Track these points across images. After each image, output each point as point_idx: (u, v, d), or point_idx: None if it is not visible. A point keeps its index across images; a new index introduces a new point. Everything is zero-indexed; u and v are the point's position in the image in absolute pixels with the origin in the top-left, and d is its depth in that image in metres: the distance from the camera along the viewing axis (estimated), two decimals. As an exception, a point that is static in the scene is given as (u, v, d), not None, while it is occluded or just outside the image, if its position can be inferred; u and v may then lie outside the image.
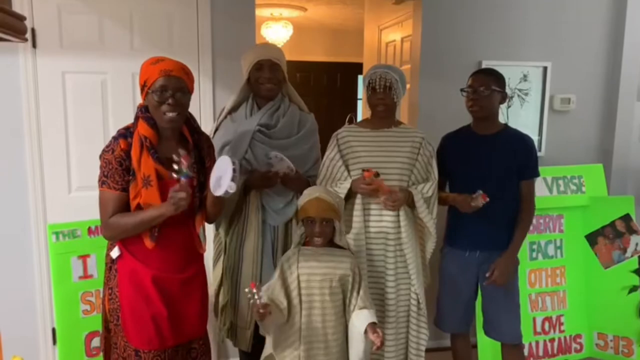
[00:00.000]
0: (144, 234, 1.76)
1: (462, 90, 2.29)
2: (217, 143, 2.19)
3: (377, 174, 2.03)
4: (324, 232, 1.88)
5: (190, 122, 1.87)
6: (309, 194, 1.91)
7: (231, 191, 1.69)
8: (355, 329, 1.85)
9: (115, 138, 1.75)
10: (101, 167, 1.74)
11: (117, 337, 1.83)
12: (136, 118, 1.77)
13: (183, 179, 1.64)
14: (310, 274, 1.88)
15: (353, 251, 1.99)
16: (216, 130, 2.27)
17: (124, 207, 1.75)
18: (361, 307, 1.87)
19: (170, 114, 1.71)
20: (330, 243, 1.93)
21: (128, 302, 1.78)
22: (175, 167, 1.63)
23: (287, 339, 1.89)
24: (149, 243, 1.76)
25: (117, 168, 1.71)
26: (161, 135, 1.77)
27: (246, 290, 1.71)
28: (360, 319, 1.84)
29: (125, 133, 1.75)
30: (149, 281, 1.77)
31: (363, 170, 2.07)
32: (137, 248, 1.78)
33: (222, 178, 1.70)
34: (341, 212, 1.93)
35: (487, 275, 2.25)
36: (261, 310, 1.72)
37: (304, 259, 1.89)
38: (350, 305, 1.90)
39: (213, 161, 1.90)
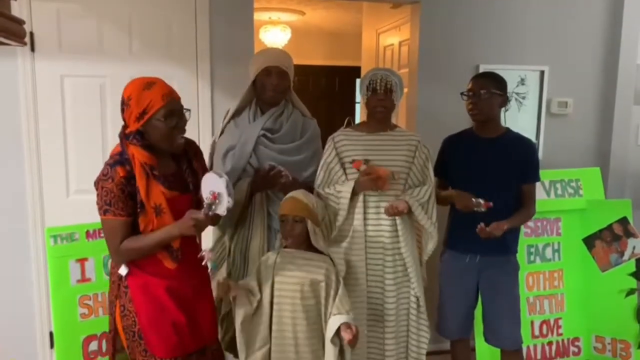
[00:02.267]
0: (162, 255, 1.75)
1: (462, 93, 2.29)
2: (221, 148, 2.19)
3: (366, 160, 2.05)
4: (294, 231, 1.90)
5: None
6: (288, 194, 1.95)
7: (231, 206, 1.69)
8: (326, 337, 1.85)
9: (110, 165, 1.68)
10: (100, 195, 1.68)
11: (135, 353, 1.80)
12: (123, 143, 1.70)
13: (211, 213, 1.65)
14: (283, 276, 1.90)
15: (332, 257, 1.98)
16: (221, 133, 2.26)
17: (131, 232, 1.72)
18: (335, 314, 1.86)
19: (179, 139, 1.73)
20: (310, 246, 1.94)
21: (146, 314, 1.76)
22: (207, 202, 1.65)
23: (257, 341, 1.90)
24: (170, 264, 1.75)
25: (119, 195, 1.67)
26: (156, 155, 1.72)
27: (202, 253, 1.74)
28: (331, 325, 1.85)
29: (121, 159, 1.68)
30: (162, 291, 1.76)
31: (351, 162, 2.10)
32: (146, 262, 1.77)
33: (219, 195, 1.66)
34: (316, 213, 1.93)
35: (479, 229, 2.13)
36: (221, 281, 1.79)
37: (281, 261, 1.92)
38: (326, 313, 1.89)
39: (202, 166, 1.91)
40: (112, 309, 1.85)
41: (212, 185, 1.67)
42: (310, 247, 1.94)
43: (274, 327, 1.89)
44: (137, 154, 1.67)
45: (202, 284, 1.90)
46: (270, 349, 1.89)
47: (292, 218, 1.89)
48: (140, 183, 1.66)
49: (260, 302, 1.90)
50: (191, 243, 1.87)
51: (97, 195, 1.70)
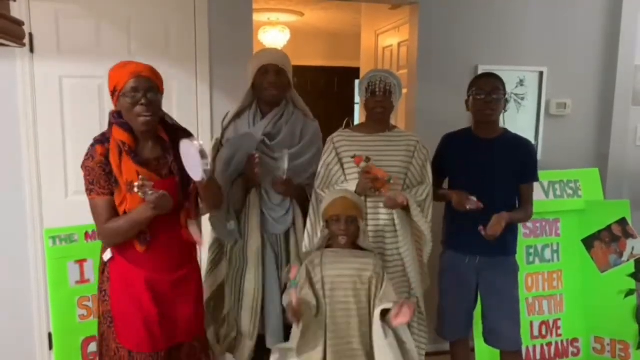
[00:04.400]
0: (133, 239, 1.76)
1: (475, 94, 2.24)
2: (223, 157, 2.19)
3: (367, 159, 2.05)
4: (349, 230, 1.89)
5: (165, 120, 1.88)
6: (332, 194, 1.95)
7: (208, 168, 1.67)
8: (375, 334, 1.83)
9: (92, 145, 1.76)
10: (85, 176, 1.75)
11: (109, 340, 1.83)
12: (110, 125, 1.77)
13: (148, 194, 1.63)
14: (335, 276, 1.88)
15: (375, 252, 1.99)
16: (222, 135, 2.26)
17: (116, 211, 1.75)
18: (379, 306, 1.85)
19: (144, 116, 1.72)
20: (353, 245, 1.94)
21: (119, 304, 1.79)
22: (134, 186, 1.63)
23: (311, 342, 1.86)
24: (139, 247, 1.77)
25: (100, 173, 1.72)
26: (137, 138, 1.77)
27: (287, 274, 1.80)
28: (376, 316, 1.83)
29: (102, 139, 1.76)
30: (141, 283, 1.77)
31: (352, 157, 2.09)
32: (129, 250, 1.78)
33: (194, 163, 1.68)
34: (364, 212, 1.94)
35: (481, 229, 2.15)
36: (295, 307, 1.73)
37: (328, 261, 1.90)
38: (375, 308, 1.87)
39: None
40: (99, 294, 1.86)
41: (185, 151, 1.68)
42: (353, 245, 1.93)
43: (328, 328, 1.86)
44: (115, 132, 1.73)
45: (185, 281, 1.88)
46: (325, 350, 1.87)
47: (346, 218, 1.88)
48: (113, 158, 1.71)
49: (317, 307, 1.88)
50: (178, 237, 1.86)
51: (83, 177, 1.75)
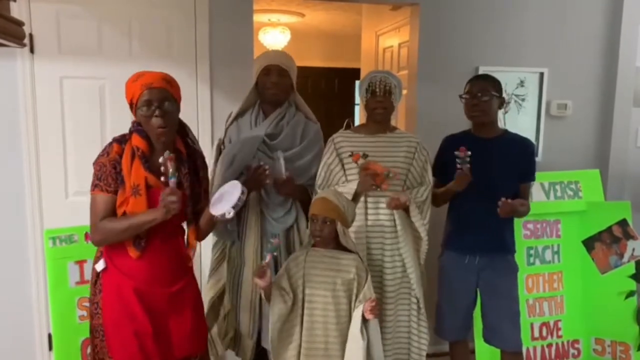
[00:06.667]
0: (127, 244, 1.74)
1: (461, 96, 2.29)
2: (226, 158, 2.19)
3: (365, 155, 2.05)
4: (323, 231, 1.90)
5: (185, 132, 1.88)
6: (319, 193, 1.97)
7: (228, 216, 1.72)
8: (351, 331, 1.85)
9: (110, 143, 1.77)
10: (95, 172, 1.74)
11: (103, 354, 1.79)
12: (130, 132, 1.78)
13: (172, 181, 1.65)
14: (315, 275, 1.90)
15: (358, 252, 1.99)
16: (225, 135, 2.27)
17: (114, 211, 1.73)
18: (358, 306, 1.88)
19: (160, 128, 1.71)
20: (338, 245, 1.94)
21: (111, 317, 1.75)
22: (163, 169, 1.65)
23: (287, 338, 1.90)
24: (133, 252, 1.74)
25: (110, 170, 1.71)
26: (154, 148, 1.76)
27: (272, 240, 1.84)
28: (356, 315, 1.85)
29: (121, 139, 1.77)
30: (132, 295, 1.74)
31: (350, 154, 2.10)
32: (123, 260, 1.75)
33: (225, 200, 1.73)
34: (346, 215, 1.93)
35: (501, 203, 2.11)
36: (264, 267, 1.79)
37: (310, 260, 1.92)
38: (354, 309, 1.89)
39: (206, 178, 1.94)
40: (91, 306, 1.83)
41: (229, 187, 1.74)
42: (338, 245, 1.94)
43: (305, 326, 1.89)
44: (133, 139, 1.74)
45: (184, 292, 1.85)
46: (300, 348, 1.89)
47: (322, 219, 1.89)
48: (125, 159, 1.72)
49: (293, 301, 1.90)
50: (175, 249, 1.84)
51: (93, 173, 1.75)
